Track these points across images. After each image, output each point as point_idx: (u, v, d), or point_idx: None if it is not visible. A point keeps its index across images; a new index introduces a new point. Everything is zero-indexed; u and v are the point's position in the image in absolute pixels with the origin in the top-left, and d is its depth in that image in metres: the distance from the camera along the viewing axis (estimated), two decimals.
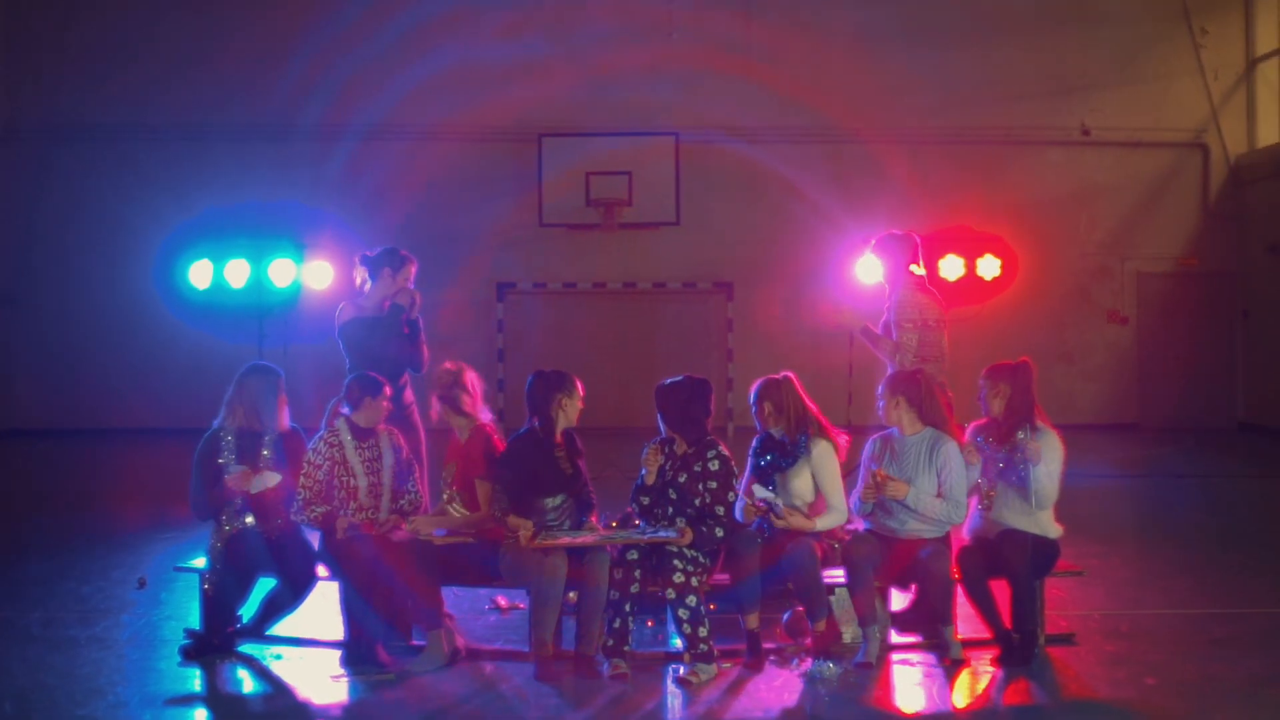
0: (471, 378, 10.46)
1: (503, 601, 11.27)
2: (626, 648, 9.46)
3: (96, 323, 25.82)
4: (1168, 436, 25.18)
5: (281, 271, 18.91)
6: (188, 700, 8.92)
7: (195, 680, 9.35)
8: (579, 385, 10.22)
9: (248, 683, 9.36)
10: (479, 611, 11.15)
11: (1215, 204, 27.00)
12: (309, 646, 10.09)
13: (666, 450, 10.04)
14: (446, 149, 26.04)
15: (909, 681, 9.26)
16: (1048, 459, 9.73)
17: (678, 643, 9.62)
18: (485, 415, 10.46)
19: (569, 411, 10.14)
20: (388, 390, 10.34)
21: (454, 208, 25.98)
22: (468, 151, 26.12)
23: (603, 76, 25.74)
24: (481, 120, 25.94)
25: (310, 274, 19.28)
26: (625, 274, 26.07)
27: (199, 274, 18.82)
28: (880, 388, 10.31)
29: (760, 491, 9.74)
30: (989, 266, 18.95)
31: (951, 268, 18.85)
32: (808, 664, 9.45)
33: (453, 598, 11.05)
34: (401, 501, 10.19)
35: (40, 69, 26.24)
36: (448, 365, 10.49)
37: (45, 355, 25.91)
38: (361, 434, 10.14)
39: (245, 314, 19.19)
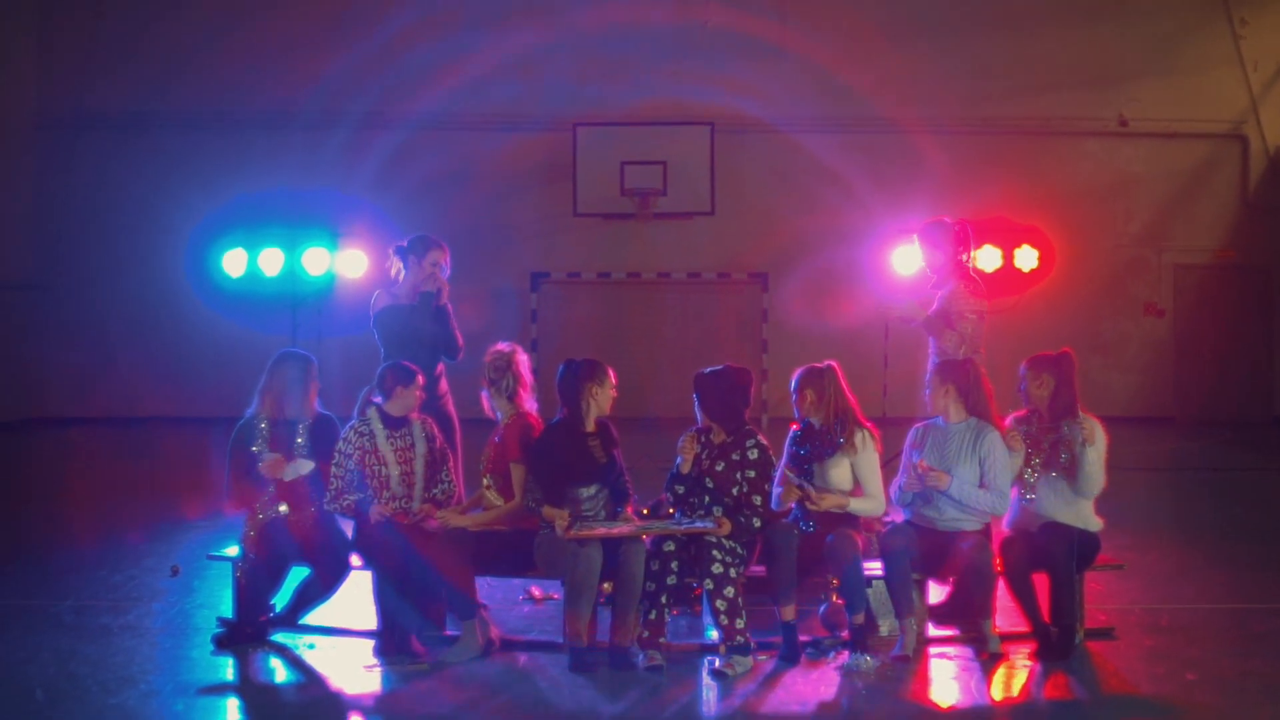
0: (523, 361, 10.38)
1: (537, 592, 11.19)
2: (662, 639, 9.38)
3: (128, 311, 25.86)
4: (1203, 430, 25.02)
5: (316, 260, 18.82)
6: (220, 690, 8.88)
7: (228, 669, 9.31)
8: (611, 374, 10.13)
9: (280, 672, 9.33)
10: (513, 602, 11.09)
11: (1254, 196, 26.82)
12: (342, 636, 10.04)
13: (703, 439, 9.96)
14: (482, 139, 26.02)
15: (946, 675, 9.17)
16: (1097, 444, 9.64)
17: (713, 634, 9.55)
18: (530, 404, 10.37)
19: (600, 400, 10.05)
20: (420, 379, 10.27)
21: (489, 198, 25.97)
22: (503, 141, 26.06)
23: (638, 66, 25.68)
24: (517, 110, 25.94)
25: (344, 263, 19.18)
26: (659, 264, 25.95)
27: (232, 262, 18.71)
28: (929, 375, 10.23)
29: (792, 476, 9.67)
30: (1027, 258, 18.76)
31: (989, 259, 18.67)
32: (844, 657, 9.36)
33: (486, 588, 10.93)
34: (435, 491, 10.12)
35: (71, 57, 26.28)
36: (501, 347, 10.41)
37: (76, 343, 25.86)
38: (393, 423, 10.08)
39: (278, 303, 19.10)
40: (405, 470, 10.00)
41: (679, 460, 9.92)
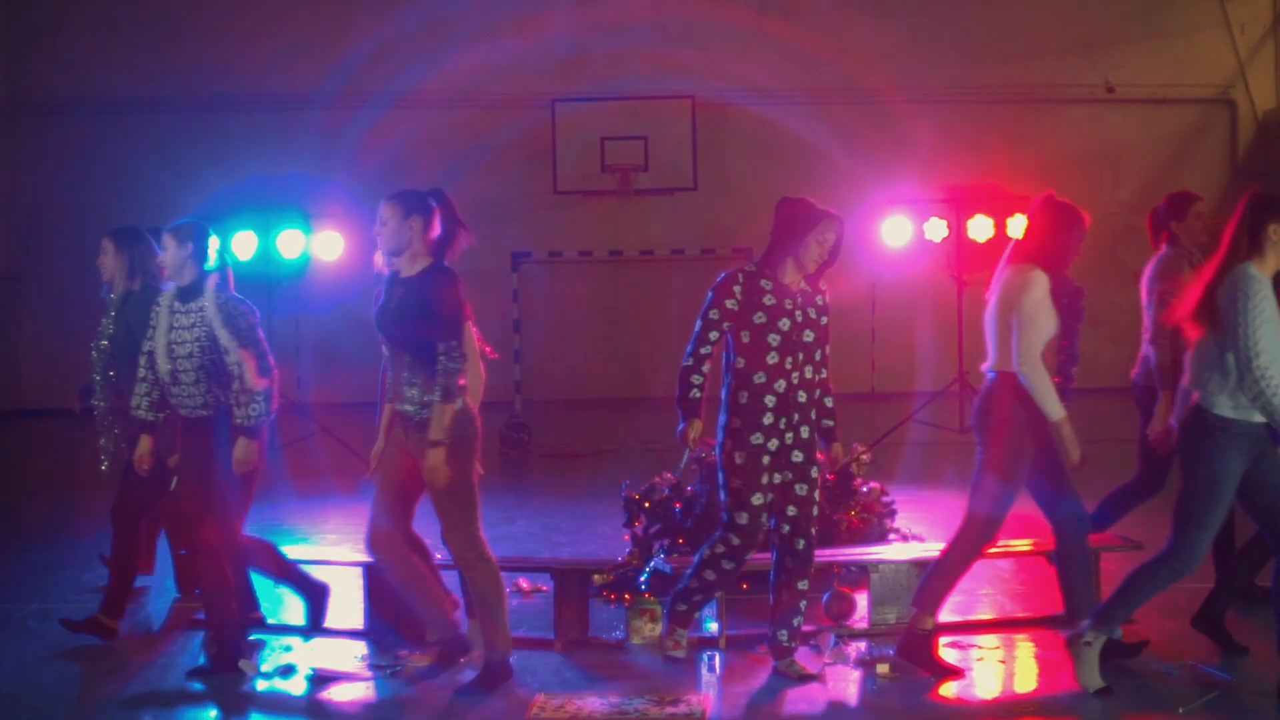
0: None
1: (524, 584, 10.69)
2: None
3: (103, 300, 25.21)
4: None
5: (290, 243, 18.42)
6: (193, 700, 8.36)
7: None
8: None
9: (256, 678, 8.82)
10: None
11: (1244, 161, 26.43)
12: (325, 636, 9.55)
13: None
14: (457, 117, 25.53)
15: (962, 666, 8.67)
16: None
17: (712, 626, 9.11)
18: None
19: None
20: None
21: (466, 177, 25.38)
22: (479, 119, 25.58)
23: (616, 39, 25.20)
24: (492, 87, 25.45)
25: (319, 245, 18.82)
26: (642, 241, 25.54)
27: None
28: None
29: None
30: (1020, 226, 18.27)
31: (981, 228, 18.21)
32: (849, 648, 8.91)
33: None
34: None
35: (42, 45, 25.70)
36: None
37: (52, 334, 25.45)
38: None
39: (253, 286, 18.67)
40: None
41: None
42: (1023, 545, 10.39)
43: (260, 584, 10.00)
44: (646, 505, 10.82)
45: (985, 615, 9.81)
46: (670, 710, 7.79)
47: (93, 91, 25.56)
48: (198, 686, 8.51)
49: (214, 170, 24.15)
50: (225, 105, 25.48)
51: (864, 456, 11.28)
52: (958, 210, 18.28)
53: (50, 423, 23.69)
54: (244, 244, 18.28)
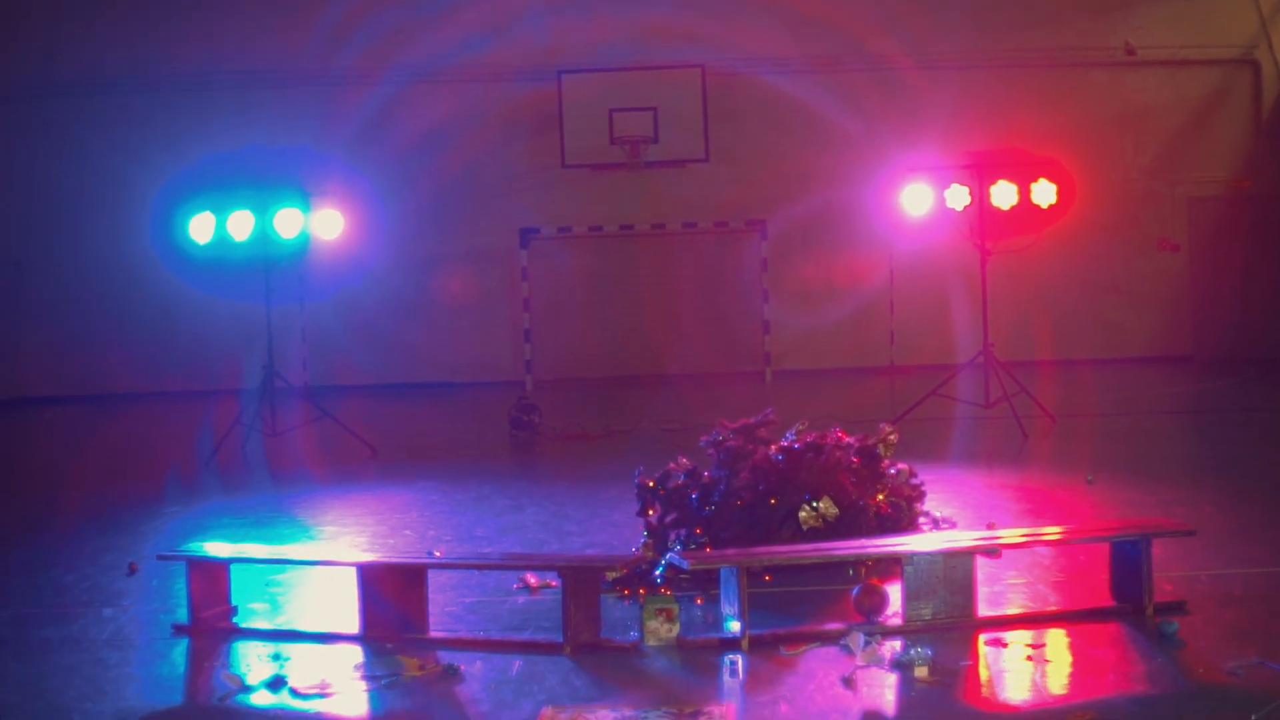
0: None
1: (533, 580, 10.01)
2: None
3: (98, 284, 25.18)
4: (1224, 368, 23.97)
5: (288, 222, 17.83)
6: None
7: (179, 689, 8.16)
8: None
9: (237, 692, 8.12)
10: (505, 592, 9.87)
11: (1268, 123, 25.93)
12: (316, 643, 8.92)
13: None
14: (462, 90, 25.11)
15: (1006, 667, 8.02)
16: None
17: (734, 626, 8.46)
18: None
19: None
20: None
21: (472, 151, 25.11)
22: (484, 92, 25.26)
23: (623, 7, 24.70)
24: (498, 59, 25.00)
25: (319, 223, 18.23)
26: (653, 215, 25.13)
27: (199, 227, 17.71)
28: None
29: None
30: (1044, 192, 17.58)
31: (1004, 195, 17.48)
32: (882, 648, 8.19)
33: (476, 577, 10.04)
34: None
35: (34, 25, 25.24)
36: None
37: (46, 320, 25.07)
38: None
39: (250, 268, 18.12)
40: None
41: None
42: (1052, 533, 9.94)
43: (240, 582, 9.43)
44: (661, 492, 10.30)
45: (1028, 608, 9.06)
46: None
47: (84, 71, 25.18)
48: (175, 702, 7.86)
49: (207, 146, 23.62)
50: (220, 81, 24.98)
51: (891, 437, 10.64)
52: (980, 176, 17.61)
53: (47, 411, 23.34)
54: (241, 223, 17.66)
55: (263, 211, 17.77)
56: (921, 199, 18.08)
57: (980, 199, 17.59)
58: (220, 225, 17.75)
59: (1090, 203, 24.30)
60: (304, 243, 18.25)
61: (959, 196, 17.70)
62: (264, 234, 17.80)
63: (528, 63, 24.90)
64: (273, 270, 18.15)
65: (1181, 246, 25.81)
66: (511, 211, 25.07)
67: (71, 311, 25.05)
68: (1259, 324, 25.60)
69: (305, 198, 18.11)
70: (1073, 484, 13.69)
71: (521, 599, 9.73)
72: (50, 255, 25.17)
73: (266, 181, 18.44)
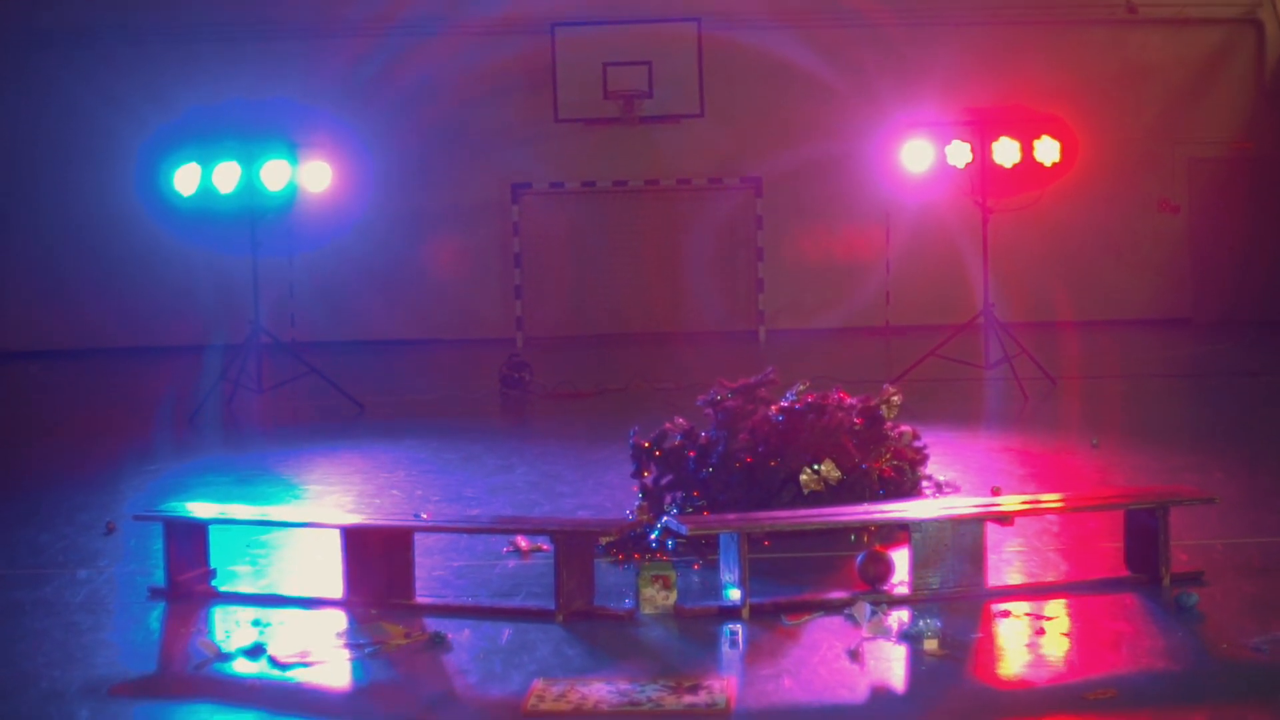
0: None
1: (523, 543, 9.65)
2: None
3: (77, 236, 24.89)
4: (1224, 331, 23.72)
5: (275, 173, 17.51)
6: (140, 689, 7.34)
7: (153, 656, 7.83)
8: None
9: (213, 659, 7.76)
10: (495, 555, 9.53)
11: (1271, 83, 25.66)
12: (298, 608, 8.59)
13: None
14: (453, 42, 24.73)
15: (1020, 640, 7.69)
16: None
17: (734, 594, 8.12)
18: None
19: None
20: None
21: (463, 105, 24.81)
22: (476, 44, 24.87)
23: None
24: (489, 10, 24.49)
25: (306, 175, 17.91)
26: (647, 171, 24.88)
27: (185, 179, 17.38)
28: None
29: None
30: (1048, 150, 17.26)
31: (1007, 152, 17.16)
32: (889, 619, 7.83)
33: (464, 540, 9.70)
34: None
35: None
36: None
37: (24, 272, 24.78)
38: None
39: (236, 221, 17.81)
40: None
41: None
42: (1064, 500, 9.75)
43: (220, 544, 9.12)
44: (657, 453, 9.98)
45: (1038, 577, 8.73)
46: (689, 700, 6.73)
47: (69, 21, 24.82)
48: (148, 670, 7.52)
49: (192, 97, 23.20)
50: (204, 32, 24.68)
51: (895, 398, 10.30)
52: (982, 133, 17.30)
53: (23, 365, 23.03)
54: (226, 175, 17.32)
55: (249, 163, 17.47)
56: (922, 156, 17.80)
57: (982, 156, 17.31)
58: (206, 177, 17.44)
59: (1088, 162, 24.03)
60: (291, 195, 17.95)
61: (960, 153, 17.43)
62: (250, 186, 17.49)
63: (520, 14, 24.54)
64: (259, 223, 17.86)
65: (1181, 208, 25.56)
66: (503, 166, 24.82)
67: (53, 264, 24.75)
68: (1259, 286, 25.40)
69: (293, 149, 17.80)
70: (1077, 448, 13.43)
71: (512, 563, 9.38)
72: (33, 208, 24.88)
73: (253, 133, 18.13)
